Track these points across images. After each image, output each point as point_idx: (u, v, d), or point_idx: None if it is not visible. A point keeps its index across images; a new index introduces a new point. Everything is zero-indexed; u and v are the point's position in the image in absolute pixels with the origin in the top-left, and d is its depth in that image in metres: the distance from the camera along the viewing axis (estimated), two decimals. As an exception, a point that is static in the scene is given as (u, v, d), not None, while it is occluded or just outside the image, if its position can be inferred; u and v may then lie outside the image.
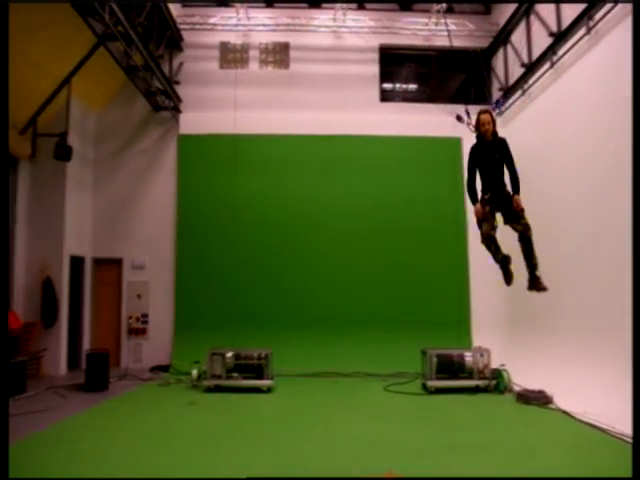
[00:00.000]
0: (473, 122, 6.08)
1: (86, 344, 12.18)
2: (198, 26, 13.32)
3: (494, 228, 5.78)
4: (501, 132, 12.19)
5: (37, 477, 5.00)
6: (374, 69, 13.39)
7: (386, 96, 13.67)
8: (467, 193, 5.93)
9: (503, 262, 5.78)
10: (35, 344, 10.76)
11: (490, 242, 5.78)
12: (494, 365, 9.45)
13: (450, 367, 9.59)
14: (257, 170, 12.79)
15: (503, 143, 5.90)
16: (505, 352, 10.26)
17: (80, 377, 9.98)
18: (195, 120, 12.94)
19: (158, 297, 12.54)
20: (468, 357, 9.64)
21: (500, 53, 12.68)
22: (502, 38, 12.40)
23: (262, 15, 13.36)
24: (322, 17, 13.30)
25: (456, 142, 12.86)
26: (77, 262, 12.15)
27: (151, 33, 11.33)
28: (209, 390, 9.48)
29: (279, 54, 13.52)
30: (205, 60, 13.35)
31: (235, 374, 9.69)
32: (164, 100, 12.46)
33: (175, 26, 12.80)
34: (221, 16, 13.35)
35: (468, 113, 6.27)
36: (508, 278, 5.84)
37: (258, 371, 9.68)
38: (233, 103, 13.00)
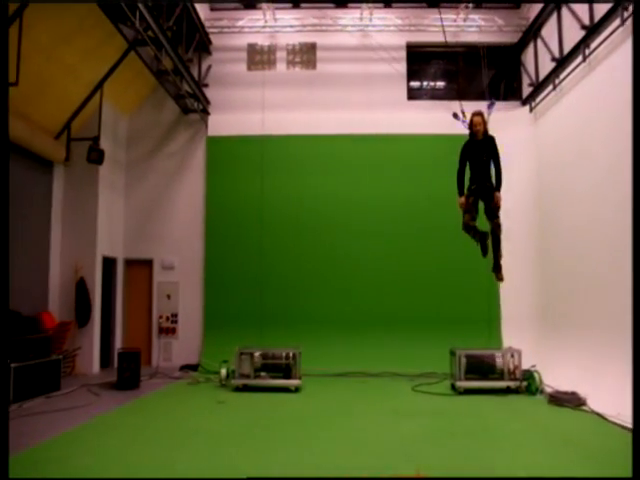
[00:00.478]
0: (468, 120, 6.61)
1: (118, 343, 12.47)
2: (226, 29, 13.47)
3: (474, 219, 6.57)
4: (532, 128, 12.03)
5: (45, 477, 5.05)
6: (401, 67, 13.28)
7: (414, 94, 13.55)
8: (456, 185, 6.60)
9: (481, 239, 6.60)
10: (69, 343, 11.03)
11: (469, 230, 6.62)
12: (525, 366, 9.26)
13: (480, 368, 9.44)
14: (285, 170, 12.85)
15: (491, 140, 6.50)
16: (536, 352, 10.04)
17: (112, 375, 10.21)
18: (223, 122, 13.09)
19: (187, 297, 12.74)
20: (498, 357, 9.46)
21: (530, 48, 12.42)
22: (532, 32, 12.15)
23: (289, 16, 13.42)
24: (348, 16, 13.29)
25: (486, 139, 12.66)
26: (109, 263, 12.44)
27: (180, 37, 11.50)
28: (237, 389, 9.56)
29: (306, 54, 13.55)
30: (233, 62, 13.48)
31: (263, 373, 9.74)
32: (193, 103, 12.64)
33: (203, 30, 12.96)
34: (248, 18, 13.46)
35: (463, 112, 6.69)
36: (484, 251, 6.71)
37: (286, 371, 9.71)
38: (261, 104, 13.12)
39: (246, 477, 4.75)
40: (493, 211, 6.50)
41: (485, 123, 6.47)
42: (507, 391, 9.16)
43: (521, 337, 10.90)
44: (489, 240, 6.60)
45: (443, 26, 10.64)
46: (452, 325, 11.65)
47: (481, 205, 6.73)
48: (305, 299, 12.34)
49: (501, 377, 9.31)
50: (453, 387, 9.47)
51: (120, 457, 5.69)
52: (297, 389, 9.53)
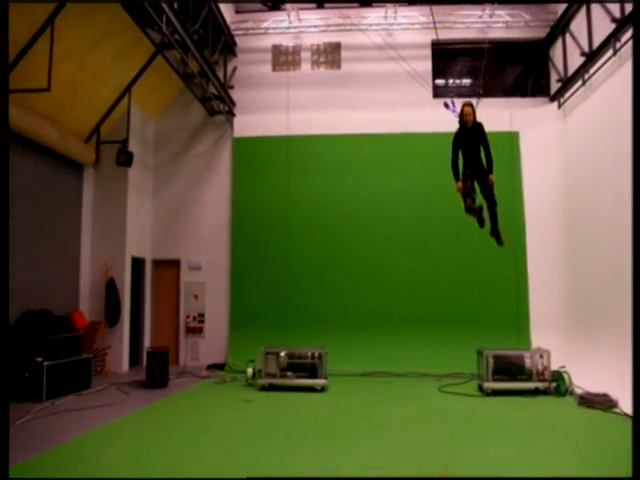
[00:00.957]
0: (458, 110, 7.04)
1: (146, 342, 12.68)
2: (251, 31, 13.57)
3: (474, 201, 6.98)
4: (560, 125, 11.81)
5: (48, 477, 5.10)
6: (426, 65, 13.17)
7: (439, 92, 13.42)
8: (451, 171, 7.01)
9: (478, 213, 7.09)
10: (100, 342, 11.25)
11: (470, 212, 7.04)
12: (554, 366, 9.10)
13: (508, 368, 9.30)
14: (310, 170, 12.87)
15: (480, 127, 6.95)
16: (566, 353, 9.84)
17: (141, 374, 10.38)
18: (249, 123, 13.18)
19: (214, 297, 12.86)
20: (527, 358, 9.30)
21: (558, 43, 12.17)
22: (560, 27, 11.91)
23: (313, 16, 13.45)
24: (373, 15, 13.24)
25: (514, 137, 12.50)
26: (138, 263, 12.65)
27: (206, 40, 11.62)
28: (264, 389, 9.62)
29: (330, 54, 13.56)
30: (258, 64, 13.58)
31: (289, 373, 9.78)
32: (219, 105, 12.76)
33: (229, 32, 13.09)
34: (273, 19, 13.54)
35: (453, 103, 7.07)
36: (481, 223, 7.22)
37: (312, 370, 9.73)
38: (286, 105, 13.18)
39: (246, 477, 4.77)
40: (489, 191, 7.00)
41: (474, 112, 6.93)
42: (536, 392, 9.00)
43: (550, 337, 10.68)
44: (485, 213, 7.12)
45: (436, 24, 10.62)
46: (480, 325, 11.51)
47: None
48: (330, 298, 12.33)
49: (530, 378, 9.16)
50: (480, 388, 9.36)
51: (147, 455, 5.77)
52: (323, 389, 9.55)
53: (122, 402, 8.50)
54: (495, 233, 7.27)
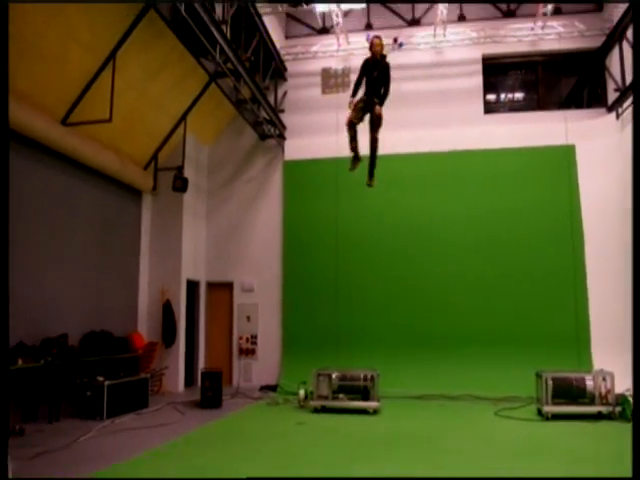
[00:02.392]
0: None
1: (201, 363, 12.91)
2: (301, 55, 13.85)
3: (359, 119, 7.49)
4: (619, 136, 11.38)
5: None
6: (477, 81, 13.03)
7: (490, 108, 13.22)
8: (352, 89, 7.56)
9: (354, 151, 7.70)
10: (157, 362, 11.58)
11: (351, 127, 7.54)
12: (619, 390, 8.62)
13: (568, 391, 8.89)
14: (359, 191, 12.73)
15: (387, 66, 7.44)
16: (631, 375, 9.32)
17: (196, 394, 10.55)
18: (299, 146, 13.39)
19: (266, 318, 13.00)
20: (589, 380, 8.86)
21: (615, 51, 11.75)
22: (617, 34, 11.51)
23: (362, 38, 13.53)
24: (421, 34, 13.24)
25: (569, 150, 12.12)
26: (192, 286, 12.97)
27: (257, 66, 11.94)
28: (316, 410, 9.55)
29: (379, 75, 13.60)
30: (308, 87, 13.80)
31: (341, 395, 9.70)
32: (270, 129, 13.04)
33: (279, 57, 13.40)
34: (322, 43, 13.77)
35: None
36: (353, 165, 7.80)
37: (364, 392, 9.61)
38: (335, 127, 13.26)
39: (246, 477, 4.76)
40: (374, 123, 7.43)
41: (383, 47, 7.46)
42: (599, 417, 8.56)
43: (613, 359, 10.11)
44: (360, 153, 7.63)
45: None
46: (537, 346, 11.11)
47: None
48: (382, 320, 12.20)
49: (592, 402, 8.73)
50: (539, 412, 8.98)
51: (204, 475, 5.83)
52: (375, 411, 9.41)
53: (178, 422, 8.67)
54: (370, 176, 7.81)
